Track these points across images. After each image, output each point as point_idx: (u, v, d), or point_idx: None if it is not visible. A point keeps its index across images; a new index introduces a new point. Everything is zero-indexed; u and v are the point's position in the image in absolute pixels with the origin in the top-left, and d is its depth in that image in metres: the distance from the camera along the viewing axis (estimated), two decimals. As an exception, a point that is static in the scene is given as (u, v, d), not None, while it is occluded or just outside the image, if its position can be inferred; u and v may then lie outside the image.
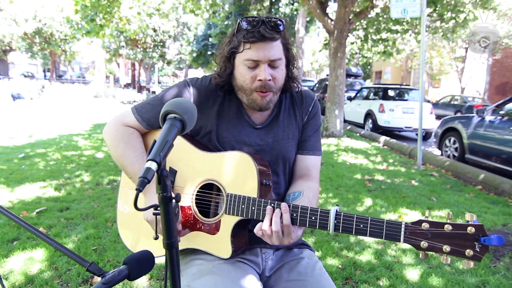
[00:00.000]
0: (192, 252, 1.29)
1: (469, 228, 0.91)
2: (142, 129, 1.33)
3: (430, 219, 0.97)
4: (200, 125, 1.29)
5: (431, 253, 0.97)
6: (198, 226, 1.23)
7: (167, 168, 1.28)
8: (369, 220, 1.01)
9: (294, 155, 1.38)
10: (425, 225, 0.96)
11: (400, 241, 0.97)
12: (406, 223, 0.98)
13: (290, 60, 1.28)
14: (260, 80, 1.19)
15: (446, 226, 0.94)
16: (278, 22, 1.18)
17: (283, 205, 1.09)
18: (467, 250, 0.91)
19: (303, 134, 1.39)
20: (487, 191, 4.88)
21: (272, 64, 1.20)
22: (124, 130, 1.31)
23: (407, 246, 3.02)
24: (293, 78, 1.32)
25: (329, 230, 1.05)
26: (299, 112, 1.38)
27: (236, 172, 1.20)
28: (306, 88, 1.44)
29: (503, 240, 0.88)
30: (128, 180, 1.36)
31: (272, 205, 1.11)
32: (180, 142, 1.28)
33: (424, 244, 0.95)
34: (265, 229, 1.08)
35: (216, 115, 1.29)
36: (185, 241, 1.25)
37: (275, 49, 1.19)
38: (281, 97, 1.36)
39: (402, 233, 0.97)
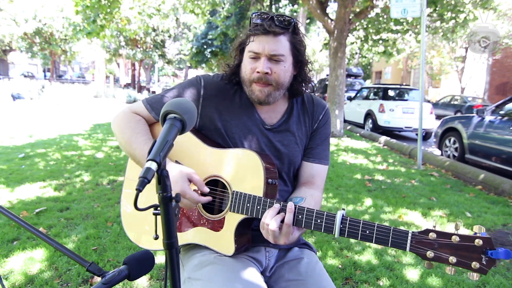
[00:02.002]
0: (194, 247, 1.29)
1: (476, 240, 0.90)
2: (151, 119, 1.33)
3: (437, 228, 0.96)
4: (211, 119, 1.30)
5: (436, 263, 0.95)
6: (202, 222, 1.23)
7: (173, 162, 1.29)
8: (375, 226, 1.00)
9: (300, 160, 1.38)
10: (432, 235, 0.94)
11: (406, 250, 0.96)
12: (413, 232, 0.97)
13: (300, 61, 1.28)
14: (258, 72, 1.21)
15: (453, 237, 0.92)
16: (286, 19, 1.20)
17: (290, 204, 1.09)
18: (473, 263, 0.89)
19: (311, 141, 1.38)
20: (487, 191, 4.88)
21: (273, 59, 1.21)
22: (132, 116, 1.31)
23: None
24: (305, 80, 1.32)
25: (334, 234, 1.04)
26: (309, 119, 1.38)
27: (242, 169, 1.20)
28: (319, 98, 1.44)
29: (510, 255, 0.86)
30: (133, 173, 1.37)
31: (281, 204, 1.11)
32: (188, 137, 1.28)
33: (430, 254, 0.94)
34: (267, 222, 1.08)
35: (227, 110, 1.30)
36: (188, 237, 1.25)
37: (278, 45, 1.20)
38: (292, 102, 1.37)
39: (409, 241, 0.96)
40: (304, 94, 1.38)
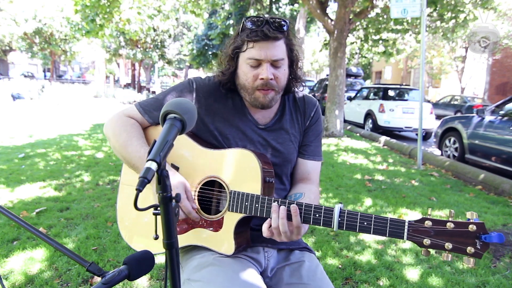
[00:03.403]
0: (193, 248, 1.29)
1: (470, 226, 0.93)
2: (144, 123, 1.33)
3: (432, 217, 0.99)
4: (204, 122, 1.30)
5: (433, 250, 0.98)
6: (200, 223, 1.23)
7: (169, 165, 1.29)
8: (373, 217, 1.02)
9: (295, 158, 1.39)
10: (428, 223, 0.97)
11: (403, 239, 0.99)
12: (409, 221, 0.99)
13: (293, 61, 1.29)
14: (262, 79, 1.20)
15: (448, 224, 0.95)
16: (282, 22, 1.20)
17: (293, 207, 1.08)
18: (468, 248, 0.93)
19: (305, 139, 1.40)
20: (487, 191, 4.88)
21: (274, 64, 1.21)
22: (126, 120, 1.30)
23: (407, 246, 3.02)
24: (297, 78, 1.33)
25: (333, 227, 1.05)
26: (301, 116, 1.39)
27: (239, 169, 1.20)
28: (309, 94, 1.46)
29: (503, 238, 0.89)
30: (128, 178, 1.36)
31: (277, 202, 1.11)
32: (183, 139, 1.28)
33: (427, 241, 0.96)
34: (275, 226, 1.09)
35: (219, 113, 1.30)
36: (187, 238, 1.25)
37: (278, 49, 1.20)
38: (284, 100, 1.38)
39: (406, 230, 0.98)
40: (295, 92, 1.40)
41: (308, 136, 1.40)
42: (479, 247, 0.92)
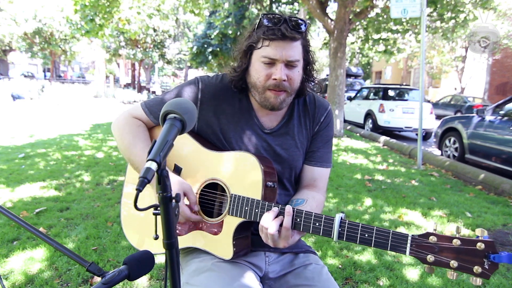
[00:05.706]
0: (193, 251, 1.28)
1: (478, 244, 0.87)
2: (150, 123, 1.33)
3: (438, 231, 0.94)
4: (208, 123, 1.28)
5: (437, 267, 0.93)
6: (200, 226, 1.22)
7: (173, 165, 1.28)
8: (374, 230, 0.98)
9: (301, 164, 1.34)
10: (432, 239, 0.92)
11: (405, 254, 0.94)
12: (413, 235, 0.94)
13: (308, 63, 1.25)
14: (274, 79, 1.16)
15: (454, 240, 0.90)
16: (300, 21, 1.16)
17: (287, 207, 1.07)
18: (475, 267, 0.87)
19: (312, 144, 1.34)
20: (487, 191, 4.88)
21: (289, 65, 1.17)
22: (132, 122, 1.30)
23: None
24: (310, 80, 1.29)
25: (332, 238, 1.02)
26: (310, 121, 1.33)
27: (241, 172, 1.18)
28: (322, 97, 1.40)
29: None
30: (133, 177, 1.37)
31: (279, 207, 1.10)
32: (186, 140, 1.27)
33: (430, 258, 0.92)
34: (266, 226, 1.07)
35: (225, 114, 1.27)
36: (187, 240, 1.24)
37: (294, 50, 1.16)
38: (293, 103, 1.32)
39: (408, 245, 0.94)
40: (306, 94, 1.34)
41: (316, 142, 1.34)
42: (487, 267, 0.86)
